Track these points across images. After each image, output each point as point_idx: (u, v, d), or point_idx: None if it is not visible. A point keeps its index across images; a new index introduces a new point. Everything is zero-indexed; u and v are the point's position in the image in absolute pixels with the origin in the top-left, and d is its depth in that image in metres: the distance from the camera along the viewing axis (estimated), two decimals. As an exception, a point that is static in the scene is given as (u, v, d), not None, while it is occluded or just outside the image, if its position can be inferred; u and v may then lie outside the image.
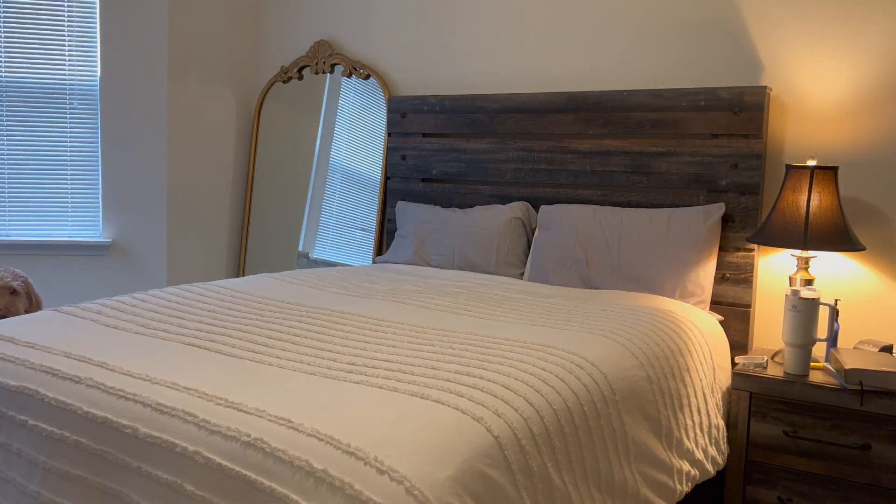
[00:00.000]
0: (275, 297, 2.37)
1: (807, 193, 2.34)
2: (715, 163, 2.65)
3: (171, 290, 2.38)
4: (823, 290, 2.57)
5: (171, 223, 3.57)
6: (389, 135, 3.37)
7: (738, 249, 2.63)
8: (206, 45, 3.64)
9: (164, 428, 1.39)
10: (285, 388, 1.48)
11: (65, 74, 3.44)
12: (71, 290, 3.49)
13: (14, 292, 2.64)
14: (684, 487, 1.99)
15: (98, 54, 3.46)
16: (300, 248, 3.71)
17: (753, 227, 2.59)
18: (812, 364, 2.35)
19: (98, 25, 3.44)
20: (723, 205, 2.61)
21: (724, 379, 2.39)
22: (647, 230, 2.66)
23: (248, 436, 1.30)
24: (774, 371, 2.34)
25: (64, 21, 3.42)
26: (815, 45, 2.57)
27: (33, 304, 2.72)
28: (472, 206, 3.15)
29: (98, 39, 3.45)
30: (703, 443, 2.16)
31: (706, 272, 2.58)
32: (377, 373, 1.58)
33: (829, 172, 2.34)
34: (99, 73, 3.46)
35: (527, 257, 2.93)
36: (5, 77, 3.38)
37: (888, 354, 2.32)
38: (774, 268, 2.67)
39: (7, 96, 3.39)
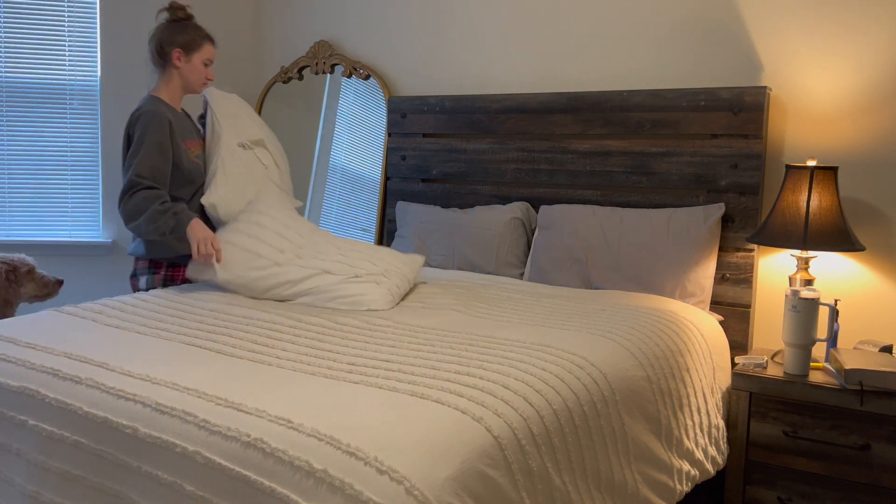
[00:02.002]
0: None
1: (807, 193, 2.34)
2: (715, 163, 2.65)
3: (172, 291, 2.39)
4: (823, 290, 2.57)
5: (171, 223, 3.57)
6: (389, 135, 3.37)
7: (738, 249, 2.63)
8: (206, 46, 3.64)
9: (164, 428, 1.39)
10: (285, 389, 1.49)
11: (65, 74, 3.44)
12: (71, 290, 3.48)
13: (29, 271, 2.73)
14: (684, 487, 1.99)
15: (98, 54, 3.46)
16: (300, 248, 3.70)
17: (753, 227, 2.59)
18: (812, 364, 2.35)
19: (98, 25, 3.45)
20: (722, 205, 2.61)
21: (724, 379, 2.39)
22: (647, 230, 2.66)
23: (248, 436, 1.30)
24: (774, 371, 2.34)
25: (64, 21, 3.42)
26: (815, 45, 2.57)
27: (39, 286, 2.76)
28: (472, 206, 3.15)
29: (98, 39, 3.46)
30: (703, 443, 2.16)
31: (706, 272, 2.58)
32: (377, 373, 1.58)
33: (828, 172, 2.34)
34: (99, 73, 3.46)
35: (527, 257, 2.93)
36: (5, 77, 3.38)
37: (888, 354, 2.32)
38: (774, 268, 2.67)
39: (7, 96, 3.39)
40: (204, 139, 2.64)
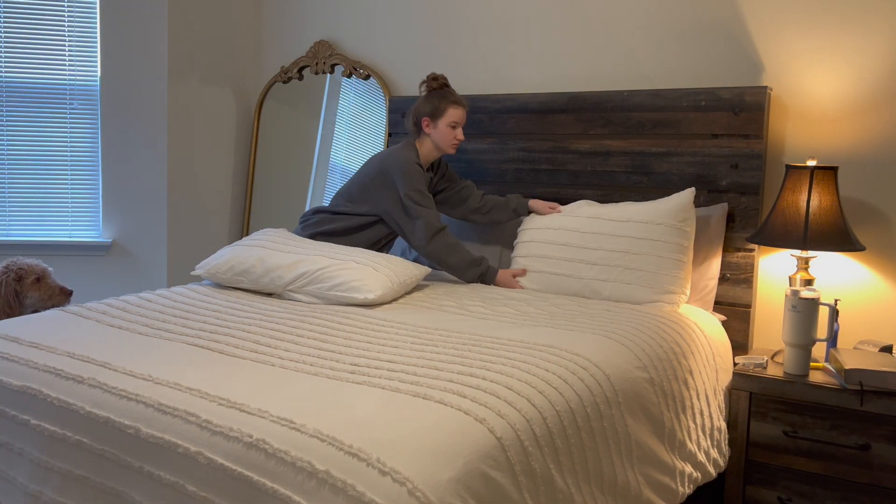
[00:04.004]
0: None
1: (807, 193, 2.34)
2: (715, 163, 2.65)
3: (176, 290, 2.39)
4: (823, 290, 2.57)
5: (171, 223, 3.57)
6: (390, 135, 3.37)
7: (738, 249, 2.63)
8: (206, 45, 3.64)
9: (166, 428, 1.39)
10: (288, 389, 1.49)
11: (65, 74, 3.44)
12: (71, 290, 3.49)
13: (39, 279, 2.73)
14: (686, 489, 1.99)
15: (98, 54, 3.46)
16: (300, 248, 3.70)
17: (753, 227, 2.60)
18: (812, 364, 2.36)
19: (98, 25, 3.44)
20: (726, 205, 2.61)
21: (727, 380, 2.39)
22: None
23: (251, 436, 1.30)
24: (774, 371, 2.34)
25: (64, 21, 3.42)
26: (816, 45, 2.57)
27: (45, 293, 2.75)
28: (472, 206, 3.15)
29: (98, 39, 3.45)
30: (706, 445, 2.16)
31: (709, 272, 2.58)
32: (380, 373, 1.58)
33: (828, 172, 2.35)
34: (99, 73, 3.46)
35: (527, 257, 2.93)
36: (5, 77, 3.38)
37: (888, 354, 2.33)
38: (774, 268, 2.67)
39: (7, 96, 3.39)
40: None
